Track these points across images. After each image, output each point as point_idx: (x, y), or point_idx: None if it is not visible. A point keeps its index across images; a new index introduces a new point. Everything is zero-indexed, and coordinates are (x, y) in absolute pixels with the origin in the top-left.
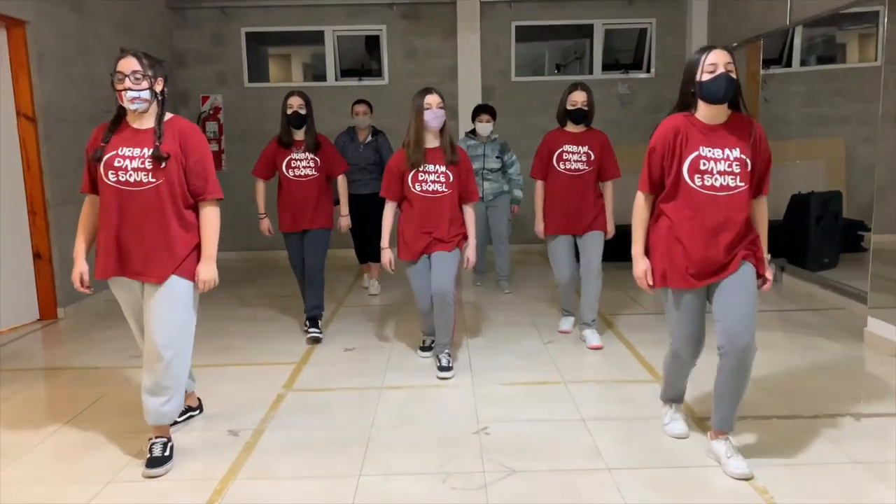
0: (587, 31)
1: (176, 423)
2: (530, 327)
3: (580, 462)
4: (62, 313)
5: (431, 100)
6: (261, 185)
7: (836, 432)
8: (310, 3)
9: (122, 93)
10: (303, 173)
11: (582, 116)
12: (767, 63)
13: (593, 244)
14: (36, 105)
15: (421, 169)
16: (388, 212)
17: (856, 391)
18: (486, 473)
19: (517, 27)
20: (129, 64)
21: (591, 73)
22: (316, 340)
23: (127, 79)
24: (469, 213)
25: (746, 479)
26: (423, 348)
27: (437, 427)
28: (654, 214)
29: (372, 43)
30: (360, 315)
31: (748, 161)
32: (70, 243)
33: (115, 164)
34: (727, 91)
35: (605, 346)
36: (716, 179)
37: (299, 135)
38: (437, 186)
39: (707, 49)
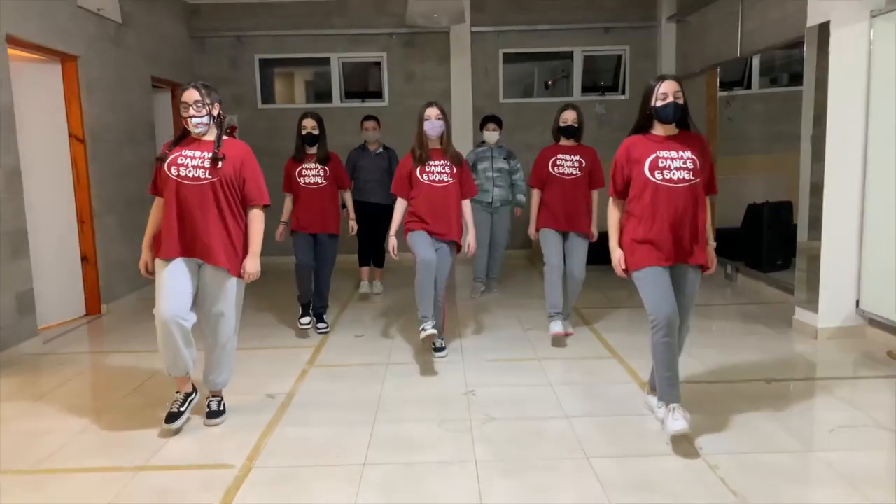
0: (569, 56)
1: (179, 414)
2: (514, 319)
3: (545, 412)
4: (105, 309)
5: (430, 112)
6: (288, 199)
7: (751, 394)
8: (317, 33)
9: (188, 119)
10: (313, 181)
11: (573, 131)
12: (731, 85)
13: (577, 251)
14: (85, 127)
15: (426, 163)
16: (399, 207)
17: (773, 363)
18: (472, 420)
19: (504, 53)
20: (192, 95)
21: (571, 94)
22: (323, 333)
23: (191, 108)
24: (467, 206)
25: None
26: (436, 349)
27: (434, 390)
28: (626, 215)
29: (374, 67)
30: (366, 311)
31: (698, 162)
32: (111, 249)
33: (178, 161)
34: (675, 115)
35: (576, 332)
36: (673, 174)
37: (312, 150)
38: (443, 176)
39: (661, 79)
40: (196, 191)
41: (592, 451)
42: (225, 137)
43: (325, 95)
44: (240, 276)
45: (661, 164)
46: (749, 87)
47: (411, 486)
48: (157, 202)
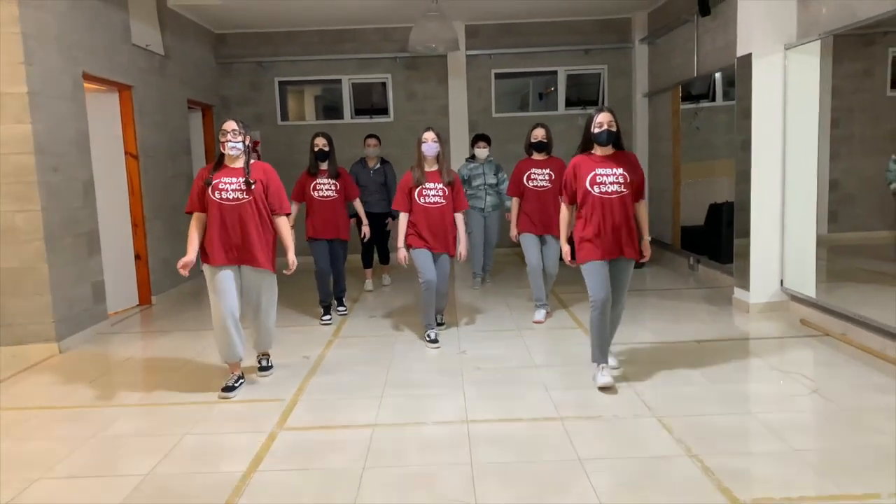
0: (554, 74)
1: (233, 388)
2: (503, 304)
3: (519, 364)
4: (155, 300)
5: (427, 135)
6: (294, 206)
7: (682, 350)
8: (330, 58)
9: (225, 143)
10: (325, 194)
11: (543, 146)
12: (698, 98)
13: (552, 251)
14: (138, 146)
15: (423, 186)
16: (403, 220)
17: (707, 330)
18: (463, 371)
19: (496, 73)
20: (231, 125)
21: (556, 109)
22: (343, 315)
23: (228, 134)
24: (460, 218)
25: (609, 389)
26: (431, 340)
27: (433, 353)
28: (577, 218)
29: (380, 87)
30: (376, 300)
31: (628, 176)
32: (158, 248)
33: (220, 187)
34: (608, 140)
35: (553, 313)
36: (608, 187)
37: (324, 166)
38: (437, 199)
39: (599, 110)
40: (236, 209)
41: (551, 386)
42: (253, 160)
43: (336, 112)
44: (274, 271)
45: (598, 180)
46: (714, 99)
47: (416, 408)
48: (197, 216)
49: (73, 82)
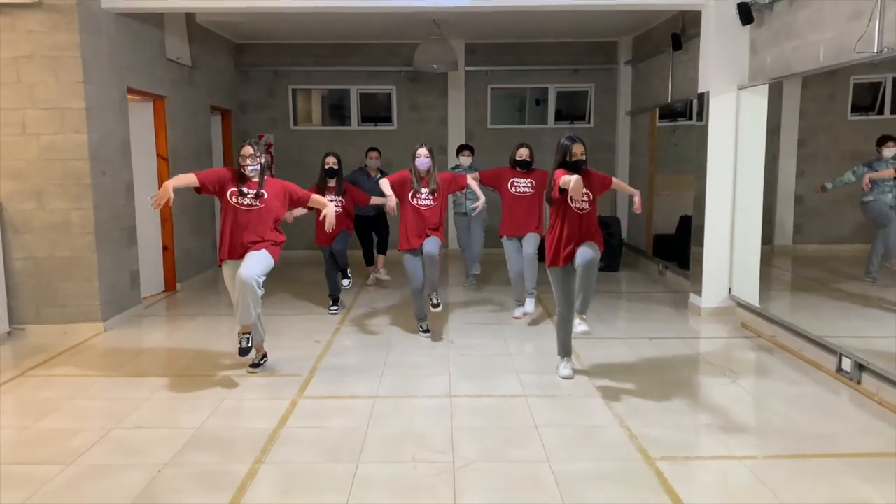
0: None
1: (258, 365)
2: (488, 301)
3: (498, 351)
4: (179, 287)
5: (421, 151)
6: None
7: (634, 345)
8: (340, 69)
9: (245, 167)
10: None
11: (526, 165)
12: (676, 116)
13: (530, 240)
14: (168, 149)
15: (419, 192)
16: (385, 184)
17: (660, 328)
18: (450, 356)
19: (492, 88)
20: (247, 151)
21: (546, 123)
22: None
23: (248, 159)
24: (472, 182)
25: (587, 335)
26: (424, 331)
27: (426, 341)
28: (550, 225)
29: (385, 98)
30: (378, 293)
31: (591, 194)
32: (183, 241)
33: (239, 193)
34: (580, 168)
35: (536, 314)
36: (580, 204)
37: (331, 183)
38: (428, 202)
39: (572, 141)
40: (250, 213)
41: (522, 371)
42: (266, 177)
43: (345, 119)
44: (273, 256)
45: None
46: (691, 118)
47: (409, 385)
48: (190, 176)
49: (119, 96)
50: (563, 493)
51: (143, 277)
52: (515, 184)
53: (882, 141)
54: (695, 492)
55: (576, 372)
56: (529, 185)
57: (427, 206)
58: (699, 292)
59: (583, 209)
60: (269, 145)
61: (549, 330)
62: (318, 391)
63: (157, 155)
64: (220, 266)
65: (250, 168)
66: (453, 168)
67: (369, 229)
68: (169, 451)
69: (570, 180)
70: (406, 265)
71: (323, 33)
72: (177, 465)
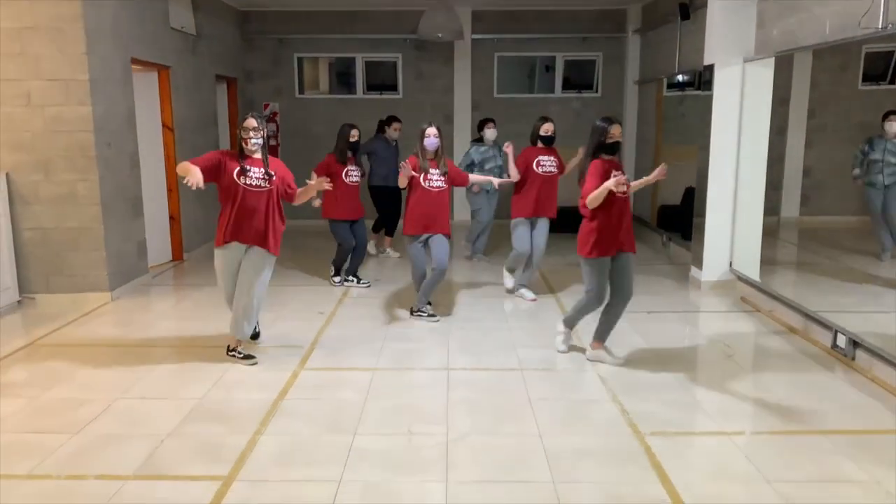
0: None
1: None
2: (493, 275)
3: (496, 325)
4: (186, 256)
5: (430, 131)
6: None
7: (633, 319)
8: (345, 37)
9: (248, 140)
10: (354, 180)
11: (551, 140)
12: (684, 86)
13: (543, 230)
14: (173, 119)
15: (427, 172)
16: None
17: (661, 303)
18: (450, 330)
19: (499, 57)
20: (251, 123)
21: (553, 92)
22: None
23: (251, 132)
24: (473, 178)
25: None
26: (430, 315)
27: (433, 322)
28: (591, 215)
29: (391, 66)
30: (384, 267)
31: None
32: (189, 211)
33: (247, 174)
34: (616, 150)
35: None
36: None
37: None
38: (439, 183)
39: (609, 122)
40: (260, 195)
41: (520, 343)
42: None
43: (350, 88)
44: (278, 255)
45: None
46: (699, 88)
47: (407, 357)
48: (193, 163)
49: (123, 67)
50: (552, 469)
51: (150, 247)
52: (541, 163)
53: (887, 115)
54: (681, 467)
55: (572, 347)
56: (554, 163)
57: (438, 187)
58: (700, 266)
59: (625, 193)
60: (273, 114)
61: (550, 306)
62: (319, 363)
63: (163, 125)
64: (219, 247)
65: (253, 142)
66: (475, 142)
67: (387, 201)
68: (171, 421)
69: (611, 185)
70: (409, 251)
71: (328, 0)
72: (179, 435)
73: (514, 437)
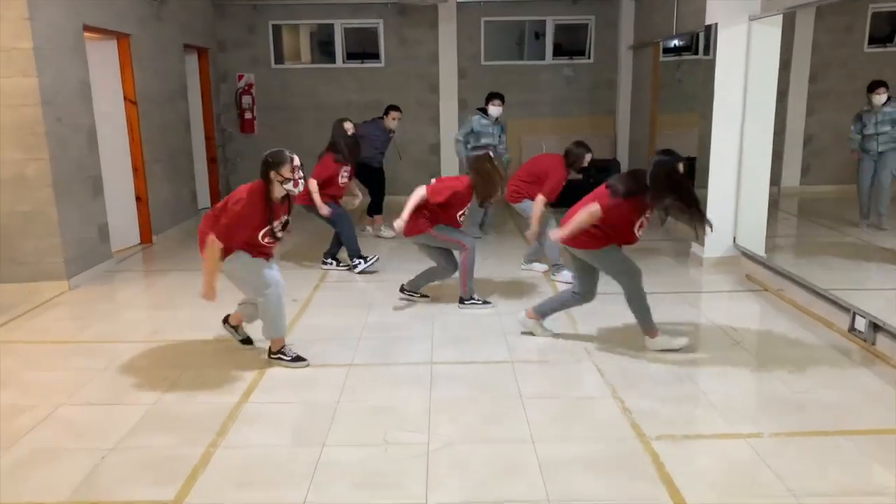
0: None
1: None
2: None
3: (487, 311)
4: (155, 239)
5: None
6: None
7: None
8: (322, 2)
9: (293, 181)
10: (344, 181)
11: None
12: (681, 50)
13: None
14: (136, 92)
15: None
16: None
17: (660, 282)
18: (434, 316)
19: (486, 21)
20: (295, 162)
21: (544, 59)
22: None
23: (295, 172)
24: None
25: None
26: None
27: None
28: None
29: (372, 33)
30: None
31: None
32: (158, 190)
33: (272, 234)
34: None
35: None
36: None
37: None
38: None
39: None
40: (272, 247)
41: (511, 331)
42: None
43: (330, 57)
44: None
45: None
46: (696, 52)
47: (387, 350)
48: (213, 247)
49: (74, 34)
50: (546, 483)
51: (114, 230)
52: None
53: (873, 87)
54: (693, 479)
55: (566, 336)
56: None
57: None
58: (701, 241)
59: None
60: (249, 85)
61: (544, 288)
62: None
63: (125, 98)
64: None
65: (300, 186)
66: (479, 110)
67: (372, 178)
68: (117, 432)
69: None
70: (448, 233)
71: None
72: (123, 449)
73: (503, 444)
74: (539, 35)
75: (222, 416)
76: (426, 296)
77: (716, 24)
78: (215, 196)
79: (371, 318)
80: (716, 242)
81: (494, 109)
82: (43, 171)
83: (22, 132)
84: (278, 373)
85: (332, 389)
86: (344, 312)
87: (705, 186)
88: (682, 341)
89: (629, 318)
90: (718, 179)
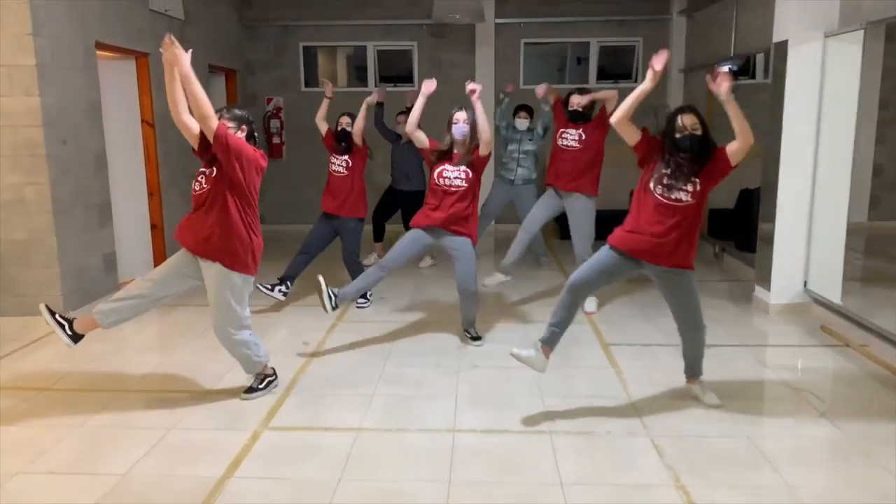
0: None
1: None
2: (515, 290)
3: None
4: None
5: (458, 115)
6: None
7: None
8: (355, 23)
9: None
10: (337, 170)
11: (576, 116)
12: (737, 74)
13: (576, 225)
14: (154, 114)
15: (445, 167)
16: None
17: (722, 332)
18: (460, 368)
19: (525, 43)
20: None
21: (587, 82)
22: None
23: None
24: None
25: (717, 408)
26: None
27: (434, 346)
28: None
29: (405, 55)
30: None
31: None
32: (174, 217)
33: None
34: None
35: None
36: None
37: (342, 144)
38: (459, 182)
39: (681, 110)
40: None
41: (548, 391)
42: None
43: (360, 66)
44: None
45: (666, 182)
46: (754, 76)
47: (403, 411)
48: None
49: (84, 52)
50: None
51: (125, 260)
52: (564, 135)
53: None
54: None
55: (614, 399)
56: (577, 137)
57: (458, 187)
58: (767, 284)
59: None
60: (277, 109)
61: (586, 335)
62: (290, 419)
63: (142, 121)
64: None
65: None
66: (514, 139)
67: (400, 205)
68: None
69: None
70: (400, 242)
71: None
72: None
73: None
74: (581, 60)
75: (202, 494)
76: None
77: (786, 42)
78: None
79: (388, 369)
80: (784, 287)
81: (520, 122)
82: (42, 195)
83: (21, 154)
84: (273, 438)
85: (335, 463)
86: (359, 360)
87: (772, 222)
88: (715, 401)
89: (681, 372)
90: (788, 216)
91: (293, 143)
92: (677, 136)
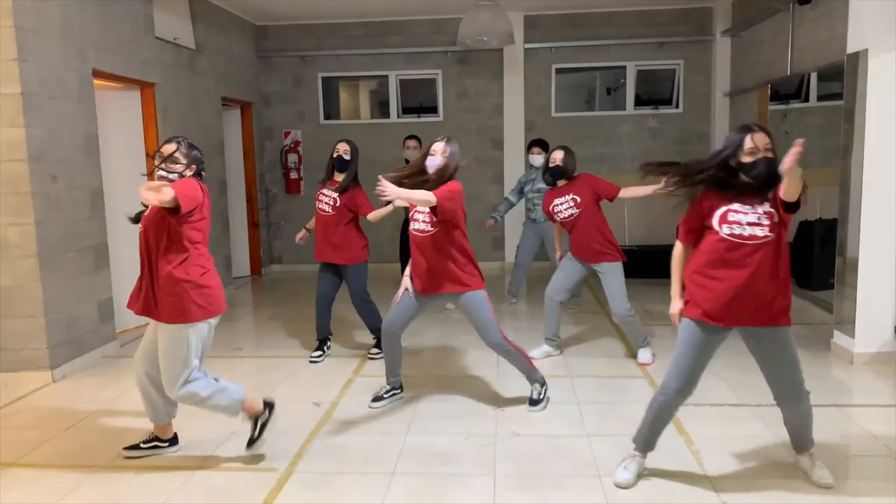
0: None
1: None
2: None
3: (568, 429)
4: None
5: (436, 147)
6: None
7: (770, 417)
8: (376, 52)
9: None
10: (322, 208)
11: (556, 173)
12: (787, 98)
13: (611, 287)
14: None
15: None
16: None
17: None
18: (497, 438)
19: (557, 68)
20: (169, 148)
21: (624, 109)
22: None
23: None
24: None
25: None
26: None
27: (464, 409)
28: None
29: (429, 84)
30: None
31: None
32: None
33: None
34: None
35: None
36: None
37: (339, 176)
38: (424, 226)
39: (747, 129)
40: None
41: (605, 467)
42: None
43: (383, 100)
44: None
45: (732, 218)
46: (806, 99)
47: (428, 493)
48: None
49: (79, 80)
50: None
51: (123, 307)
52: (556, 209)
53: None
54: None
55: (689, 479)
56: (571, 202)
57: (422, 231)
58: (850, 330)
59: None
60: (295, 143)
61: (640, 385)
62: (296, 499)
63: (147, 154)
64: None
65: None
66: (529, 180)
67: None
68: None
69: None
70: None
71: (354, 10)
72: None
73: None
74: (611, 90)
75: None
76: None
77: (861, 52)
78: (256, 263)
79: (412, 438)
80: (870, 332)
81: (534, 158)
82: (27, 237)
83: (5, 191)
84: None
85: None
86: (377, 426)
87: (855, 256)
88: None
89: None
90: (872, 252)
91: (311, 177)
92: (746, 159)
